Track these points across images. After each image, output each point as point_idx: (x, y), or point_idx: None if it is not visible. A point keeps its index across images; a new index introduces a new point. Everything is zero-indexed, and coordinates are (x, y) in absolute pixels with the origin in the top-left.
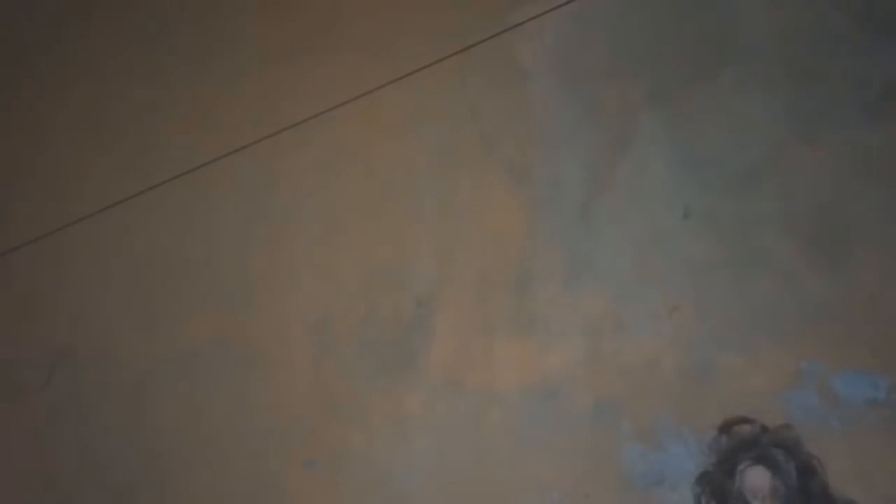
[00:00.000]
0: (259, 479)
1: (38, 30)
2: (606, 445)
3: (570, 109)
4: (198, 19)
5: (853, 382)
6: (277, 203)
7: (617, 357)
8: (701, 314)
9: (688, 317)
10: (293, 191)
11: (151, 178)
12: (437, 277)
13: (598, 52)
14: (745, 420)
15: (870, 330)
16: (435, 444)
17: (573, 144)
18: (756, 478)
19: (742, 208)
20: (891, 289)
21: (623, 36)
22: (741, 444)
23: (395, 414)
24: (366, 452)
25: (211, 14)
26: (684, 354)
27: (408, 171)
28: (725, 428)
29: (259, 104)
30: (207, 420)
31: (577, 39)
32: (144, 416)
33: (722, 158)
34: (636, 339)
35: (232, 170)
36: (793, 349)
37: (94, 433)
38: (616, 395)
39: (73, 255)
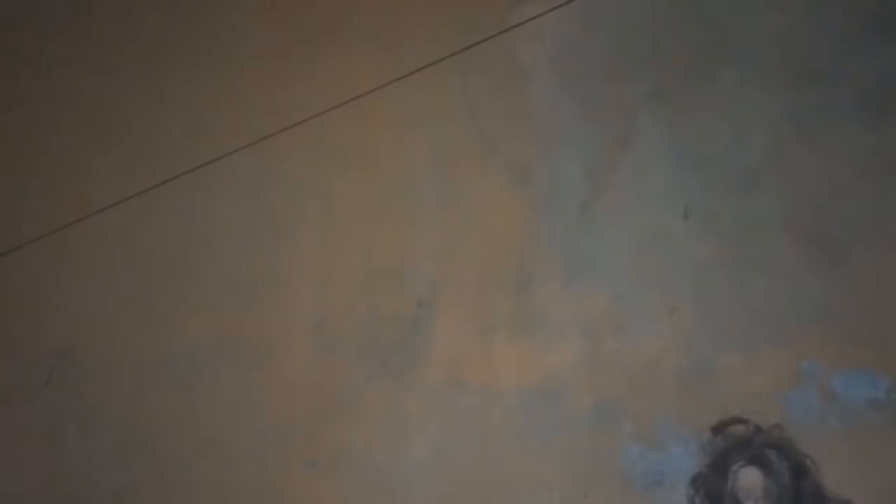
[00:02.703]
0: (259, 480)
1: (38, 29)
2: (606, 445)
3: (570, 109)
4: (198, 19)
5: (853, 382)
6: (277, 203)
7: (617, 357)
8: (701, 314)
9: (688, 317)
10: (293, 191)
11: (151, 178)
12: (437, 277)
13: (598, 52)
14: (738, 420)
15: (870, 330)
16: (435, 444)
17: (573, 144)
18: (749, 478)
19: (742, 208)
20: (891, 289)
21: (623, 36)
22: (734, 444)
23: (395, 414)
24: (366, 452)
25: (211, 14)
26: (684, 354)
27: (408, 171)
28: (719, 428)
29: (259, 104)
30: (207, 420)
31: (577, 39)
32: (144, 416)
33: (722, 158)
34: (636, 339)
35: (232, 170)
36: (793, 349)
37: (94, 433)
38: (616, 395)
39: (73, 255)
